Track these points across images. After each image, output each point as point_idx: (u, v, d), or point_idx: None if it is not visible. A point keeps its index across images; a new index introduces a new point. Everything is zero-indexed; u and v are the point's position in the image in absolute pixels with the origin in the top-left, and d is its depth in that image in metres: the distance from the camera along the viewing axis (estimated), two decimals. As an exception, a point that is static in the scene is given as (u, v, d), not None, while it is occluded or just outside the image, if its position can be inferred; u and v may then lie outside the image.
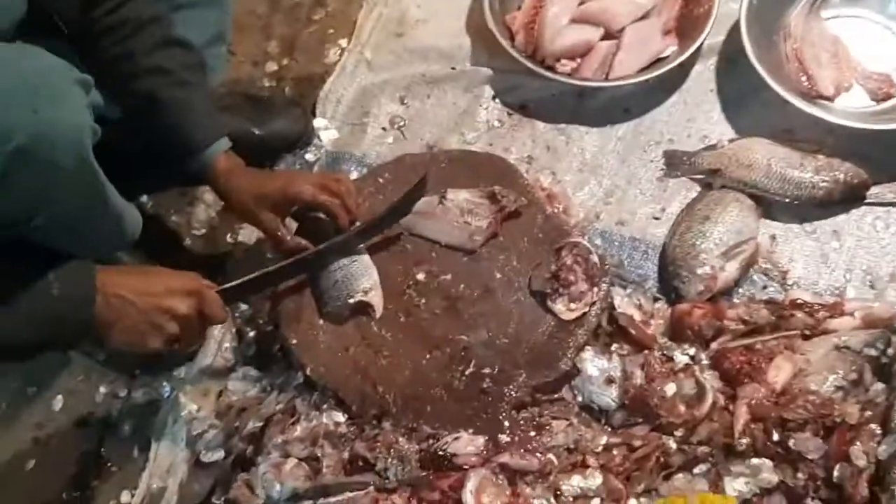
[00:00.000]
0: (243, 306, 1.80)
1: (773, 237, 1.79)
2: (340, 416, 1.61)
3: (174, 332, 1.39)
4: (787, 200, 1.78)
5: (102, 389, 1.79)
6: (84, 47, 1.47)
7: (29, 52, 1.20)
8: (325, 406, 1.61)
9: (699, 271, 1.69)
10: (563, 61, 1.95)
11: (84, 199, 1.35)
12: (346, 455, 1.56)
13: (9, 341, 1.27)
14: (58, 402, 1.78)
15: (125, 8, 1.47)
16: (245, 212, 1.62)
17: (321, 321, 1.68)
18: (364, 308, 1.65)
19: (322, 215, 1.65)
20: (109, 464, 1.72)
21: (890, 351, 1.56)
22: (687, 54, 1.91)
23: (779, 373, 1.55)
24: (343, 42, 2.14)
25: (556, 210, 1.79)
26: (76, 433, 1.75)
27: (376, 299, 1.65)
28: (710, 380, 1.57)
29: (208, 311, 1.43)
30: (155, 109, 1.52)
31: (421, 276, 1.70)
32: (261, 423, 1.62)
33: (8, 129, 1.13)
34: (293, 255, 1.62)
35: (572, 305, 1.63)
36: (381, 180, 1.82)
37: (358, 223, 1.67)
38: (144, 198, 1.95)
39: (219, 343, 1.77)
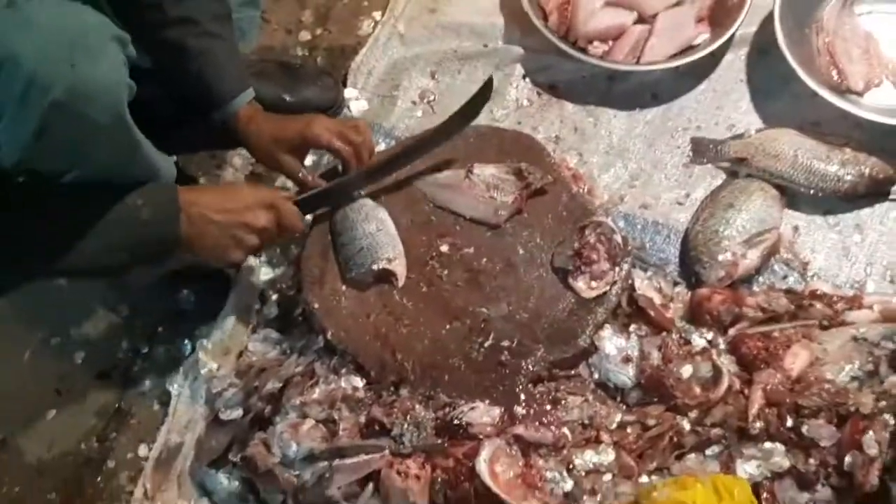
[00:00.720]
0: (267, 273, 1.82)
1: (796, 228, 1.80)
2: (359, 381, 1.62)
3: (254, 244, 1.51)
4: (812, 192, 1.79)
5: (124, 344, 1.81)
6: None
7: (68, 7, 1.22)
8: (343, 370, 1.63)
9: (720, 257, 1.70)
10: (596, 43, 1.96)
11: (118, 156, 1.36)
12: (362, 419, 1.57)
13: (104, 263, 1.36)
14: (80, 355, 1.81)
15: None
16: (265, 155, 1.66)
17: (344, 287, 1.69)
18: (387, 276, 1.67)
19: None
20: (129, 417, 1.75)
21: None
22: (718, 43, 1.92)
23: (795, 360, 1.56)
24: (377, 15, 2.16)
25: (581, 190, 1.80)
26: (97, 385, 1.79)
27: (399, 268, 1.67)
28: (727, 364, 1.59)
29: (286, 222, 1.54)
30: (182, 58, 1.57)
31: (444, 248, 1.71)
32: (280, 384, 1.63)
33: (47, 82, 1.15)
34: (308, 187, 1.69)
35: (593, 284, 1.64)
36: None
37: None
38: (174, 158, 1.96)
39: (241, 304, 1.78)
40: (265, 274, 1.82)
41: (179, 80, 1.61)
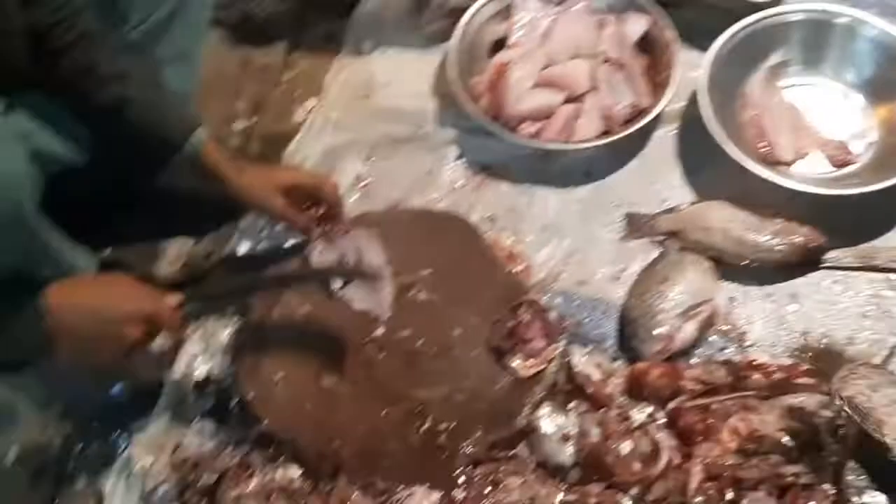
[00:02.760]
0: (203, 362, 1.79)
1: (732, 299, 1.80)
2: (296, 471, 1.59)
3: (127, 347, 1.40)
4: (745, 263, 1.80)
5: (57, 442, 1.77)
6: (42, 75, 1.49)
7: None
8: (280, 460, 1.60)
9: (656, 332, 1.70)
10: (526, 123, 1.98)
11: (16, 255, 1.36)
12: (300, 511, 1.55)
13: None
14: (12, 454, 1.75)
15: (76, 29, 1.49)
16: (256, 195, 1.70)
17: (279, 374, 1.67)
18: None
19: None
20: (65, 518, 1.70)
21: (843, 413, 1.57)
22: (647, 120, 1.94)
23: (734, 432, 1.55)
24: (310, 103, 2.17)
25: (516, 269, 1.80)
26: (30, 485, 1.72)
27: None
28: (666, 438, 1.57)
29: (167, 328, 1.49)
30: (125, 114, 1.54)
31: (380, 332, 1.70)
32: (215, 476, 1.60)
33: None
34: (307, 232, 1.77)
35: (529, 362, 1.64)
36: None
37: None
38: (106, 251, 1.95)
39: (177, 397, 1.75)
40: (201, 363, 1.79)
41: (124, 140, 1.59)
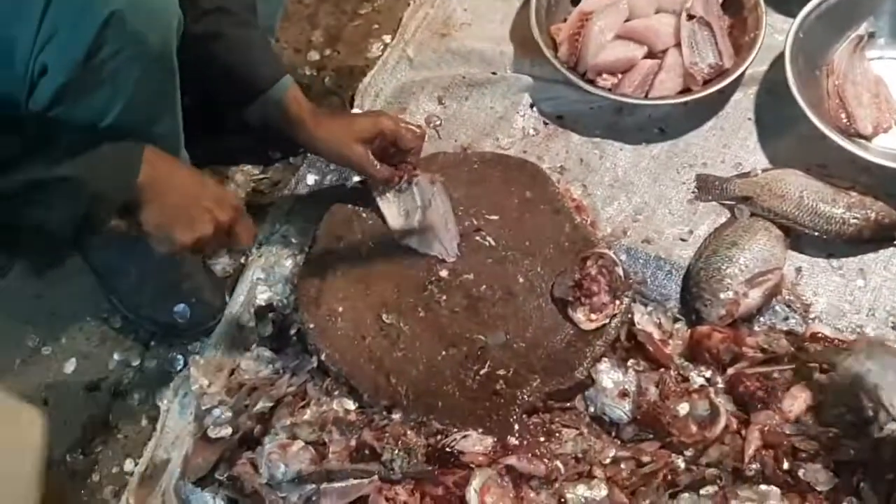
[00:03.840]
0: (263, 290, 1.81)
1: (799, 269, 1.78)
2: (351, 404, 1.61)
3: (205, 234, 1.37)
4: (817, 234, 1.77)
5: (116, 356, 1.79)
6: None
7: None
8: (336, 392, 1.62)
9: (722, 296, 1.69)
10: (605, 76, 1.95)
11: (153, 101, 1.37)
12: (353, 443, 1.55)
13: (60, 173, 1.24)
14: (70, 365, 1.78)
15: None
16: (332, 145, 1.68)
17: (340, 308, 1.68)
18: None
19: None
20: (116, 431, 1.72)
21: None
22: (727, 81, 1.91)
23: (794, 402, 1.54)
24: (387, 38, 2.15)
25: (584, 222, 1.79)
26: (86, 397, 1.75)
27: None
28: (725, 403, 1.56)
29: (240, 230, 1.44)
30: (217, 49, 1.55)
31: (444, 273, 1.70)
32: (271, 404, 1.61)
33: None
34: (387, 183, 1.75)
35: (593, 316, 1.63)
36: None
37: None
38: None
39: (236, 321, 1.77)
40: (261, 292, 1.80)
41: (214, 74, 1.60)
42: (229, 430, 1.62)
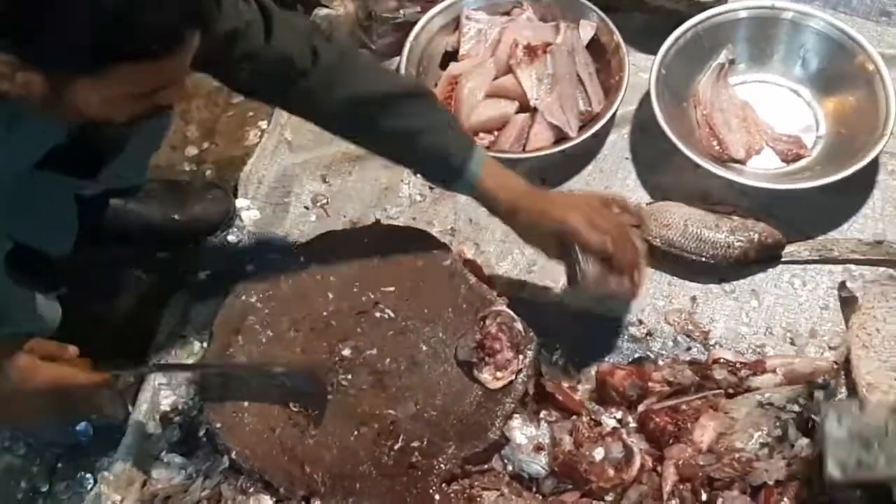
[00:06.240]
0: (167, 395, 1.77)
1: (694, 298, 1.82)
2: (268, 500, 1.57)
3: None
4: (704, 260, 1.82)
5: (23, 484, 1.73)
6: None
7: None
8: (251, 489, 1.58)
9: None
10: (482, 135, 1.98)
11: None
12: (276, 539, 1.53)
13: None
14: (-23, 501, 1.73)
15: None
16: (530, 236, 1.64)
17: (246, 403, 1.65)
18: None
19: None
20: (36, 563, 1.67)
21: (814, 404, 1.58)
22: (600, 124, 1.96)
23: (704, 432, 1.56)
24: (263, 124, 2.15)
25: (478, 282, 1.79)
26: (-2, 531, 1.70)
27: None
28: (637, 442, 1.58)
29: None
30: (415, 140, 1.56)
31: (347, 352, 1.68)
32: (187, 511, 1.59)
33: None
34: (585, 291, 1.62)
35: (498, 374, 1.63)
36: (303, 259, 1.81)
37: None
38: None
39: (142, 431, 1.73)
40: (165, 396, 1.77)
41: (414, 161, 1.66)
42: (148, 545, 1.59)
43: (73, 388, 1.39)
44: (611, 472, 1.54)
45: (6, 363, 1.34)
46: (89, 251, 1.69)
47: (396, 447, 1.59)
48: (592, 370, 1.73)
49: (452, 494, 1.55)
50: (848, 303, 1.64)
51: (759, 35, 2.05)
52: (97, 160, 1.47)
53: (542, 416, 1.63)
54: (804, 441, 1.53)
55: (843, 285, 1.73)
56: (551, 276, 1.86)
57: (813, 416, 1.52)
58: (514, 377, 1.63)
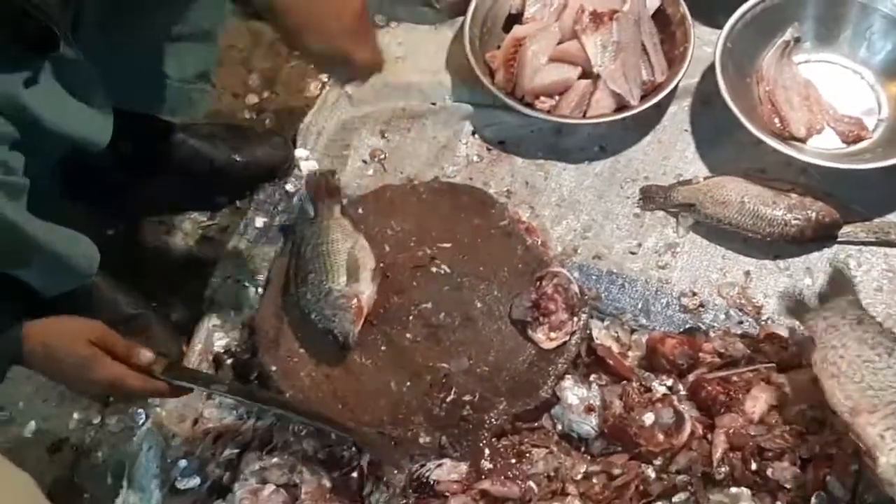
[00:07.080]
0: (220, 338, 1.80)
1: (748, 273, 1.82)
2: (318, 445, 1.60)
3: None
4: (760, 237, 1.81)
5: (76, 416, 1.76)
6: None
7: None
8: (303, 433, 1.60)
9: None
10: (542, 98, 1.97)
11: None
12: (325, 482, 1.55)
13: None
14: (30, 428, 1.75)
15: None
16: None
17: (300, 347, 1.67)
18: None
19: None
20: (82, 491, 1.69)
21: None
22: (662, 95, 1.95)
23: (756, 403, 1.57)
24: (324, 77, 2.15)
25: (535, 242, 1.81)
26: (49, 459, 1.73)
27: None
28: (689, 409, 1.59)
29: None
30: None
31: (402, 303, 1.70)
32: (238, 450, 1.61)
33: None
34: None
35: (552, 334, 1.64)
36: (360, 211, 1.83)
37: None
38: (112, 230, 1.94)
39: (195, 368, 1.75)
40: (219, 339, 1.79)
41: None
42: (198, 481, 1.62)
43: (129, 391, 1.40)
44: (661, 436, 1.55)
45: (68, 346, 1.34)
46: (151, 185, 1.69)
47: (448, 399, 1.61)
48: (643, 338, 1.73)
49: (502, 449, 1.57)
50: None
51: (826, 14, 2.02)
52: None
53: (593, 378, 1.64)
54: (855, 418, 1.54)
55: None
56: (605, 243, 1.87)
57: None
58: (567, 338, 1.65)
